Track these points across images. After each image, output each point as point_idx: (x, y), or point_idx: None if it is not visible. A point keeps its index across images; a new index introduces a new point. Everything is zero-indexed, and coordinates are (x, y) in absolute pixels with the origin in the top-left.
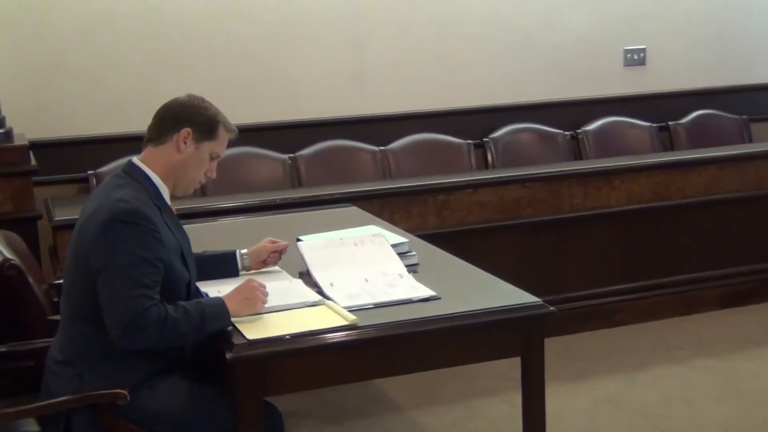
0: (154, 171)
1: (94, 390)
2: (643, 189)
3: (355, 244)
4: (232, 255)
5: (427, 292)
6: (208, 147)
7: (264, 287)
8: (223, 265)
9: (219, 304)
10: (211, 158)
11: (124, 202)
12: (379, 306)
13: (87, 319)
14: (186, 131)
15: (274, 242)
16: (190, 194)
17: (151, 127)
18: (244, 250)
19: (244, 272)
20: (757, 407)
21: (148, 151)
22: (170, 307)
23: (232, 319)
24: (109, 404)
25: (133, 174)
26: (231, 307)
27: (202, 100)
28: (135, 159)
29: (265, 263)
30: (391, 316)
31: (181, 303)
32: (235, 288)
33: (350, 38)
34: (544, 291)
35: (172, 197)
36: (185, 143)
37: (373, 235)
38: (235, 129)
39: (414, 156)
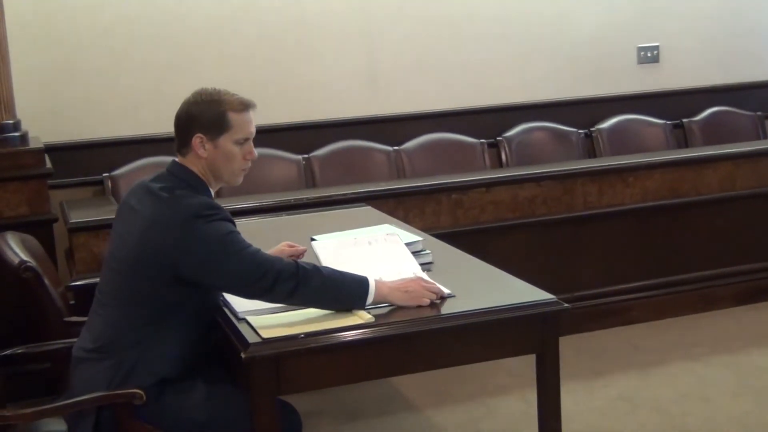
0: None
1: (132, 376)
2: (657, 186)
3: (369, 244)
4: None
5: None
6: (226, 139)
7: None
8: None
9: (363, 280)
10: (239, 144)
11: (190, 197)
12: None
13: (140, 305)
14: (197, 138)
15: (292, 246)
16: (240, 182)
17: (175, 138)
18: None
19: None
20: None
21: (180, 159)
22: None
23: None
24: (126, 404)
25: (182, 174)
26: (387, 293)
27: (200, 94)
28: (178, 159)
29: None
30: (406, 314)
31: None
32: (402, 279)
33: (363, 39)
34: (559, 288)
35: (226, 189)
36: (204, 147)
37: (387, 234)
38: (248, 101)
39: (428, 155)
